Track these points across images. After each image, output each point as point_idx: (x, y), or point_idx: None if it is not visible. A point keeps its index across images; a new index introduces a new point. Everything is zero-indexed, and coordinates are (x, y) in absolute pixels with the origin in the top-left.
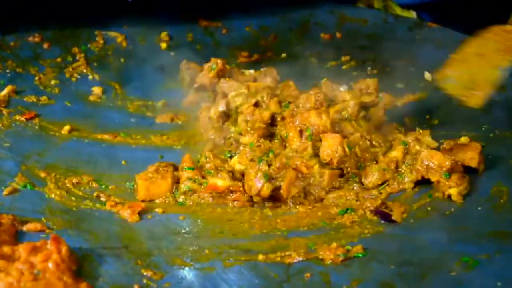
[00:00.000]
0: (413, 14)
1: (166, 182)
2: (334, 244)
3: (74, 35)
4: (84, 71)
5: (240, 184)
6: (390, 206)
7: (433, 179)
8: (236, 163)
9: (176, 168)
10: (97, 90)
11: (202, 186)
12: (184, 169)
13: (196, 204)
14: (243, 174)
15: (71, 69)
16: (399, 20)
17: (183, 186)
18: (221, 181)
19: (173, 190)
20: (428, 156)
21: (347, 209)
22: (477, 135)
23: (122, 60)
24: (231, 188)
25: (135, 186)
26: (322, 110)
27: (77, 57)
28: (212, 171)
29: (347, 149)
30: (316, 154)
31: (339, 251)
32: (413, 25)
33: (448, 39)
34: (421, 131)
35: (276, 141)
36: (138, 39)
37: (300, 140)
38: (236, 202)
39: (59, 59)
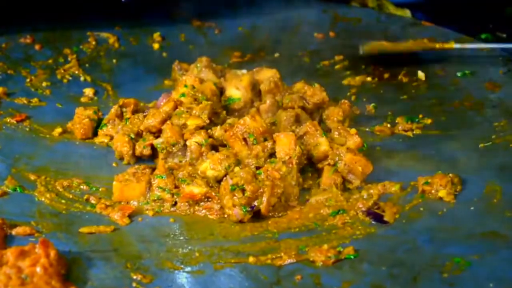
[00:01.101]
0: (407, 13)
1: (140, 185)
2: (325, 246)
3: (65, 36)
4: (76, 72)
5: (216, 190)
6: (382, 206)
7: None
8: (208, 169)
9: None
10: (88, 91)
11: (174, 196)
12: (155, 177)
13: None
14: (218, 180)
15: (62, 71)
16: (392, 19)
17: (152, 195)
18: (197, 188)
19: (147, 195)
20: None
21: (339, 210)
22: (470, 134)
23: (114, 61)
24: (207, 194)
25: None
26: (253, 112)
27: (69, 59)
28: (187, 179)
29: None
30: (270, 155)
31: (330, 252)
32: (407, 24)
33: (442, 37)
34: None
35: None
36: (130, 40)
37: (246, 147)
38: (206, 211)
39: (50, 61)
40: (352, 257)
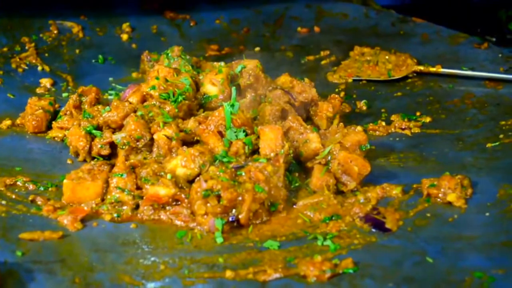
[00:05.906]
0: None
1: (95, 184)
2: (318, 258)
3: (25, 24)
4: (33, 61)
5: (186, 192)
6: (383, 212)
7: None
8: (179, 166)
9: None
10: (46, 82)
11: (135, 199)
12: (114, 176)
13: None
14: (189, 181)
15: (18, 59)
16: (381, 15)
17: (109, 197)
18: (164, 189)
19: (103, 196)
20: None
21: (333, 216)
22: (474, 133)
23: (77, 51)
24: (175, 197)
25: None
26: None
27: (27, 47)
28: (151, 179)
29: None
30: (253, 152)
31: (325, 266)
32: (397, 20)
33: (434, 34)
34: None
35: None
36: (96, 30)
37: (222, 143)
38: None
39: (5, 49)
40: (351, 271)
